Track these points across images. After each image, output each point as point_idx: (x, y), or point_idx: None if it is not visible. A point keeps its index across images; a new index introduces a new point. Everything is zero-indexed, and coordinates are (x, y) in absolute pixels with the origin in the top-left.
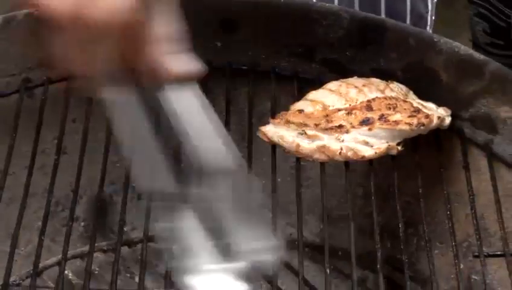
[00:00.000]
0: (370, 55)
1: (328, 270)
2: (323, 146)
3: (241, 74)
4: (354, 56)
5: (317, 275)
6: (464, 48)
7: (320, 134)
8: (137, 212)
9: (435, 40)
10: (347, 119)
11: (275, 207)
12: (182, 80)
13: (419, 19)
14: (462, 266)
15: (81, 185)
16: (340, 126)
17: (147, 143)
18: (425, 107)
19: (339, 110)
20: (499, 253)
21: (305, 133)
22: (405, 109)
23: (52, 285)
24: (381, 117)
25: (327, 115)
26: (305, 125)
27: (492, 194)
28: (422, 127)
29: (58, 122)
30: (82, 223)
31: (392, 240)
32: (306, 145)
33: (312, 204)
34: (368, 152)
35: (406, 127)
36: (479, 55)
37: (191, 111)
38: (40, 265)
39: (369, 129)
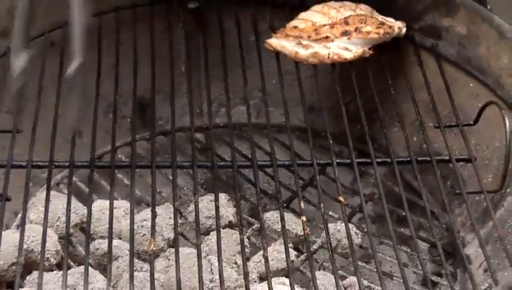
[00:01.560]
0: None
1: None
2: (315, 52)
3: (243, 2)
4: None
5: (306, 150)
6: None
7: (312, 43)
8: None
9: None
10: (331, 32)
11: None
12: None
13: None
14: (415, 138)
15: (127, 91)
16: (327, 37)
17: None
18: (387, 21)
19: (324, 25)
20: (453, 124)
21: (301, 43)
22: (373, 22)
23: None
24: (356, 29)
25: (316, 29)
26: (300, 37)
27: (437, 85)
28: (387, 36)
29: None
30: (128, 120)
31: (361, 123)
32: (302, 52)
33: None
34: (348, 55)
35: (376, 36)
36: None
37: None
38: (103, 150)
39: (348, 38)
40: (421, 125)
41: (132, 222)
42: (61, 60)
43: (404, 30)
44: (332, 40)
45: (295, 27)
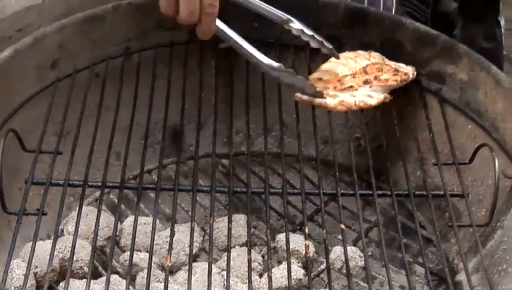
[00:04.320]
0: (357, 32)
1: None
2: (343, 101)
3: (270, 45)
4: (346, 33)
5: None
6: (423, 26)
7: (338, 93)
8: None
9: (403, 21)
10: (354, 81)
11: None
12: None
13: (387, 9)
14: (418, 173)
15: (161, 118)
16: (351, 86)
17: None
18: (400, 67)
19: (346, 75)
20: (449, 162)
21: (328, 94)
22: (388, 70)
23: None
24: (376, 78)
25: (339, 80)
26: (327, 88)
27: (438, 126)
28: (404, 82)
29: (147, 79)
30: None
31: (368, 156)
32: (331, 102)
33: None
34: (373, 102)
35: (394, 83)
36: (433, 31)
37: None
38: (137, 172)
39: (370, 87)
40: (421, 162)
41: (152, 239)
42: (102, 89)
43: (414, 74)
44: (357, 89)
45: (320, 79)
